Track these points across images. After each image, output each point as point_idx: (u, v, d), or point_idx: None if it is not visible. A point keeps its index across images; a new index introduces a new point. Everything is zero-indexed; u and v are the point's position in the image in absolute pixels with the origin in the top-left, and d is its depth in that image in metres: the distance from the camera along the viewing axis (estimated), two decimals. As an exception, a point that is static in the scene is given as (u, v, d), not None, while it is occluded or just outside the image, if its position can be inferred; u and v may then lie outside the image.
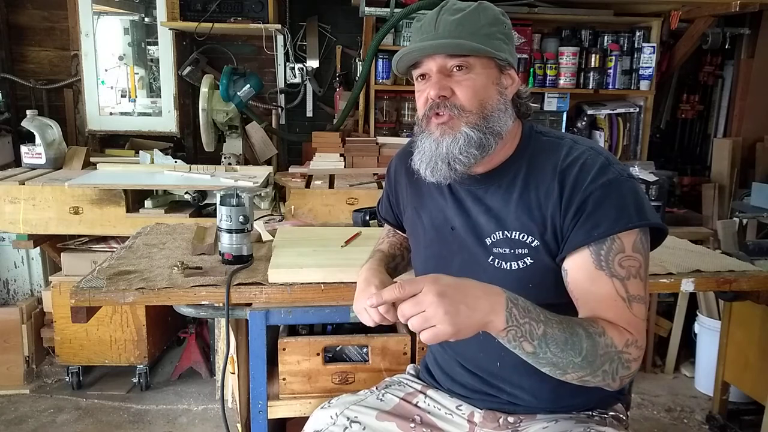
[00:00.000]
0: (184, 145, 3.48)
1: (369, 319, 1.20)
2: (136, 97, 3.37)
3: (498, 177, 1.14)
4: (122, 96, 3.39)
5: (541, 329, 0.93)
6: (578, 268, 1.05)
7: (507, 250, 1.12)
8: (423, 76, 1.11)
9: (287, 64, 3.43)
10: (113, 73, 3.38)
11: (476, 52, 1.06)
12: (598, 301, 1.03)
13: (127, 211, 2.54)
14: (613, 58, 3.25)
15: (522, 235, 1.11)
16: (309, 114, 3.56)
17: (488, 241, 1.14)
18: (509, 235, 1.11)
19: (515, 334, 0.92)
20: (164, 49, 3.26)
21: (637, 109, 3.38)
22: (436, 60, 1.07)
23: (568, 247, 1.06)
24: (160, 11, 3.15)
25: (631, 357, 0.99)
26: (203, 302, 1.44)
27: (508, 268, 1.11)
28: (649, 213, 1.05)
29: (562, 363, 0.95)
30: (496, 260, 1.13)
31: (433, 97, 1.08)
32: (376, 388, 1.34)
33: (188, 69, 3.26)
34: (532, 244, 1.10)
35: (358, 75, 3.16)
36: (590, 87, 3.29)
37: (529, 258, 1.10)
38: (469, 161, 1.07)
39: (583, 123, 3.40)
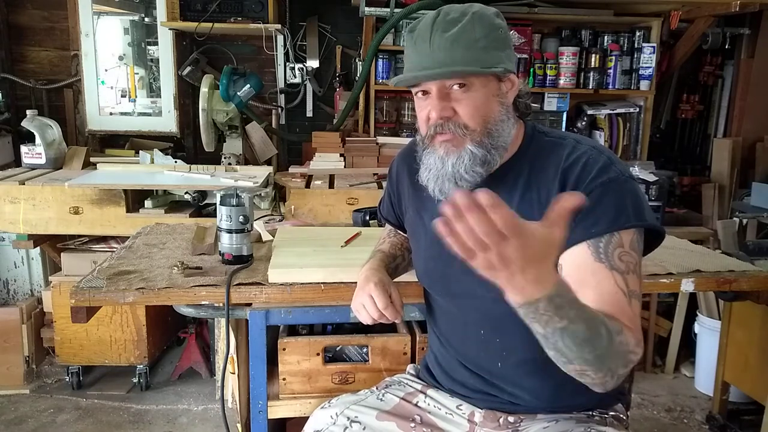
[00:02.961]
0: (184, 145, 3.48)
1: (366, 316, 1.21)
2: (136, 97, 3.37)
3: (501, 177, 1.14)
4: (122, 96, 3.39)
5: (564, 323, 0.86)
6: (575, 262, 1.04)
7: None
8: (423, 92, 1.11)
9: (287, 64, 3.43)
10: (113, 73, 3.38)
11: (474, 74, 1.06)
12: (599, 293, 1.00)
13: (127, 211, 2.54)
14: (613, 58, 3.25)
15: None
16: (309, 114, 3.56)
17: (490, 241, 1.13)
18: None
19: (528, 315, 0.86)
20: (164, 49, 3.26)
21: (637, 109, 3.37)
22: (435, 81, 1.08)
23: (565, 243, 1.05)
24: (160, 11, 3.15)
25: (635, 357, 0.98)
26: (203, 302, 1.44)
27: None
28: (647, 214, 1.06)
29: (571, 355, 0.91)
30: (498, 260, 1.12)
31: (435, 119, 1.08)
32: (376, 388, 1.34)
33: (188, 69, 3.26)
34: None
35: (358, 75, 3.16)
36: (590, 87, 3.29)
37: None
38: (475, 179, 1.08)
39: (583, 123, 3.40)
